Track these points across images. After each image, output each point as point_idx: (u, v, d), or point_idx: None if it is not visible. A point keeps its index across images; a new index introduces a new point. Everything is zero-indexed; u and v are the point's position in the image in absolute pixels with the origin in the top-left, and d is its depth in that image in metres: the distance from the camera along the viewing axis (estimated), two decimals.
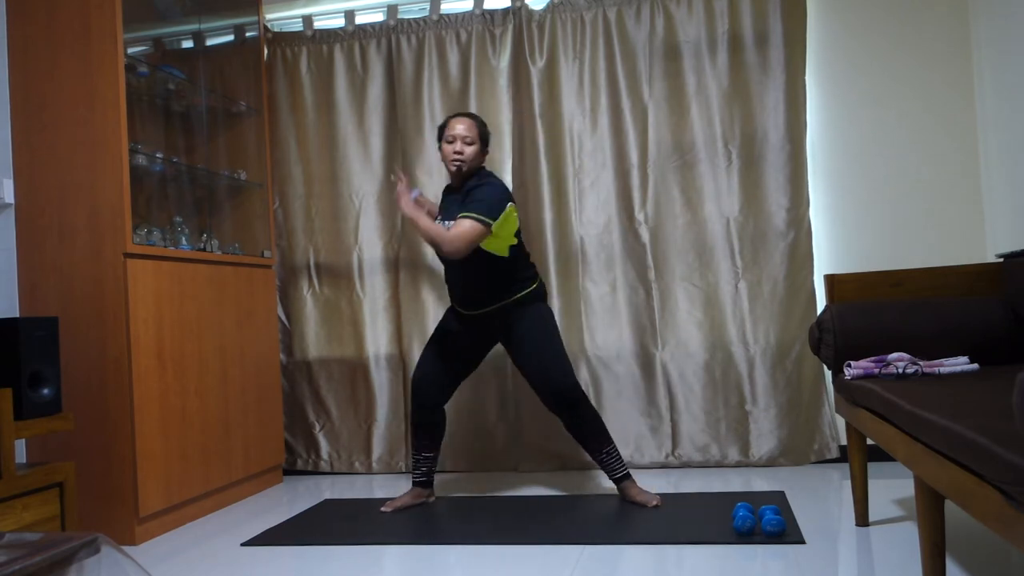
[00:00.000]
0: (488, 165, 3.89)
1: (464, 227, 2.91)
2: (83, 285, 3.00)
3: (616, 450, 3.11)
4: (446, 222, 3.06)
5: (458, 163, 3.06)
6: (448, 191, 3.23)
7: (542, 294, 3.20)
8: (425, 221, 2.98)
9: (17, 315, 3.06)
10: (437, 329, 3.29)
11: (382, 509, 3.19)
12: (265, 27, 4.11)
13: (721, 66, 3.72)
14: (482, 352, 3.29)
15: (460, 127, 3.07)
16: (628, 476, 3.12)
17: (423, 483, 3.26)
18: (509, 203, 3.02)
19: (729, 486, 3.31)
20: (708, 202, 3.72)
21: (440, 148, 3.14)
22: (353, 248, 4.07)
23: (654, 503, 3.01)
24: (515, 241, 3.09)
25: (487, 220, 2.93)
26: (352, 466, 4.03)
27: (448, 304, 3.34)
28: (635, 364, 3.77)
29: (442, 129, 3.13)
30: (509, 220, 3.02)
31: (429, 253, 3.92)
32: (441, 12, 3.99)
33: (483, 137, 3.11)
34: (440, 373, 3.21)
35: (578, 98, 3.84)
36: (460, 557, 2.58)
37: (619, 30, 3.80)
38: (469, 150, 3.06)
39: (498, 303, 3.11)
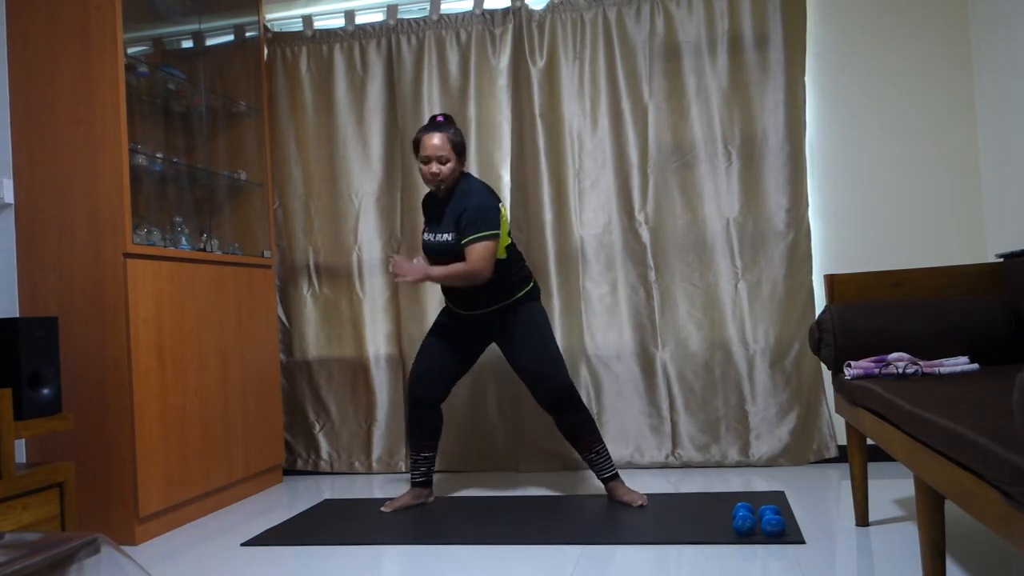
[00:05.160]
0: (488, 165, 3.91)
1: (478, 250, 2.96)
2: (83, 285, 3.00)
3: (606, 450, 3.13)
4: (441, 235, 3.07)
5: (437, 183, 3.07)
6: (431, 200, 3.22)
7: (536, 293, 3.23)
8: (438, 271, 3.02)
9: (17, 315, 3.06)
10: (434, 326, 3.30)
11: (382, 509, 3.19)
12: (265, 27, 4.11)
13: (721, 67, 3.72)
14: (478, 350, 3.30)
15: (434, 144, 3.04)
16: (616, 476, 3.14)
17: (422, 483, 3.27)
18: (499, 205, 3.05)
19: (729, 486, 3.31)
20: (708, 202, 3.73)
21: (419, 167, 3.11)
22: (353, 248, 4.07)
23: (639, 503, 3.03)
24: (509, 240, 3.14)
25: (493, 233, 2.98)
26: (352, 466, 4.03)
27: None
28: (635, 364, 3.77)
29: (416, 144, 3.10)
30: (504, 222, 3.08)
31: None
32: (441, 12, 3.98)
33: (457, 149, 3.08)
34: (438, 370, 3.22)
35: (578, 98, 3.84)
36: (460, 557, 2.58)
37: (619, 30, 3.80)
38: (445, 169, 3.05)
39: (497, 304, 3.13)
